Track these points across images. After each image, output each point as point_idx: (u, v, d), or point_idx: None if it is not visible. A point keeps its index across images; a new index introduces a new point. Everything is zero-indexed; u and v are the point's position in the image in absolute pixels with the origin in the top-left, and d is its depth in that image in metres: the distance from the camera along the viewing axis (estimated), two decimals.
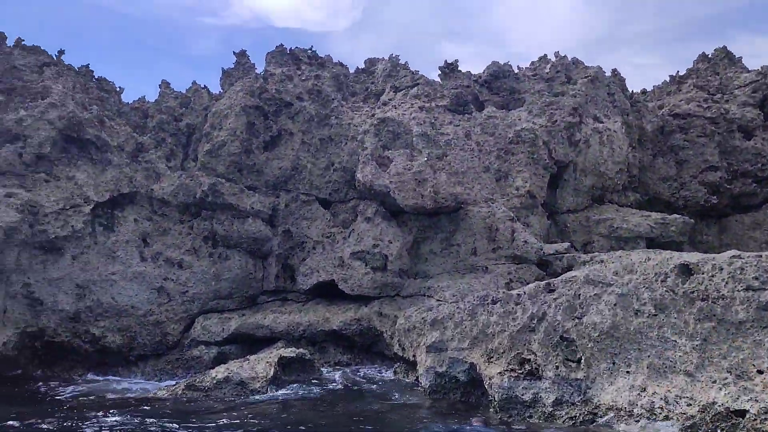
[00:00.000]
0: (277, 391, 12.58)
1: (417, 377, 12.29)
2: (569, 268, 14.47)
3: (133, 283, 15.33)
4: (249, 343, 15.31)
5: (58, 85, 17.03)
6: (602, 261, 13.84)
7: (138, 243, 15.82)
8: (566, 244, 15.25)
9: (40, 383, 13.94)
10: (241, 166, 16.63)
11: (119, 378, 14.70)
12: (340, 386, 13.00)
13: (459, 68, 18.28)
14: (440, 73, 18.26)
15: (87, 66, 19.66)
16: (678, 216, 16.12)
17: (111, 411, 11.13)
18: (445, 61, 18.22)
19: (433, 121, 16.34)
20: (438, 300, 14.13)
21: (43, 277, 14.69)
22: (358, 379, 13.79)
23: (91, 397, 12.58)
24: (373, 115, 16.93)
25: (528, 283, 13.74)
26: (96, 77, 19.70)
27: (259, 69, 19.83)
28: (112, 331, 14.98)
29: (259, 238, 16.20)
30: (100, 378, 14.68)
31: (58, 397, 12.58)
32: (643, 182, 18.70)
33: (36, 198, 14.92)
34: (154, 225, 16.23)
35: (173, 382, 13.43)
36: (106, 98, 18.87)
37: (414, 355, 12.43)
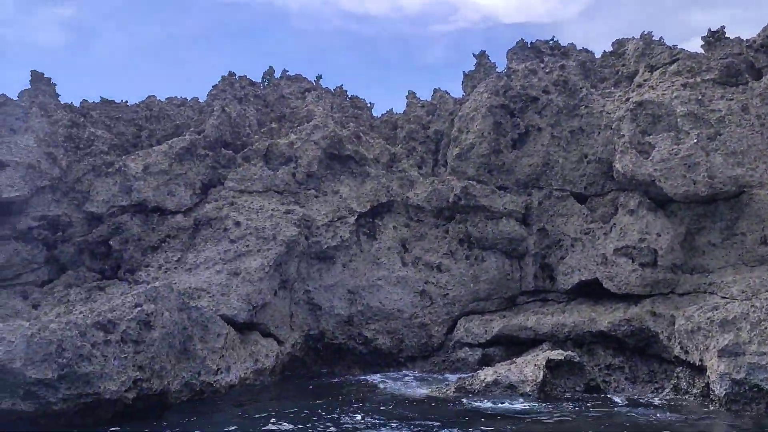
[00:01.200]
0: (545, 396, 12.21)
1: (706, 384, 11.03)
2: None
3: (397, 287, 16.05)
4: (512, 344, 15.11)
5: (319, 107, 18.58)
6: None
7: (399, 249, 16.55)
8: None
9: (323, 380, 15.21)
10: (491, 167, 16.55)
11: (390, 378, 15.44)
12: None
13: (726, 35, 16.21)
14: (703, 43, 16.36)
15: (341, 87, 21.21)
16: None
17: (392, 410, 11.66)
18: (709, 30, 16.29)
19: (699, 97, 14.67)
20: (723, 297, 12.60)
21: (320, 284, 16.03)
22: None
23: (369, 394, 13.34)
24: (627, 100, 15.73)
25: None
26: (349, 96, 21.17)
27: (500, 68, 19.68)
28: (382, 334, 15.82)
29: (514, 238, 15.96)
30: (376, 378, 15.56)
31: (342, 393, 13.54)
32: None
33: (309, 212, 16.36)
34: (412, 231, 16.85)
35: (443, 385, 13.70)
36: (359, 115, 20.15)
37: (701, 360, 11.19)
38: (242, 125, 18.12)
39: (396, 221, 16.93)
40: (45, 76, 17.36)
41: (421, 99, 19.72)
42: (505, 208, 16.00)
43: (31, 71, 17.07)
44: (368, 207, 16.86)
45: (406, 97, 19.73)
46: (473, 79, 19.85)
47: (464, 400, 12.27)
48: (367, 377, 15.48)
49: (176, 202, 15.96)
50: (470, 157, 16.63)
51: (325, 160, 17.31)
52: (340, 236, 16.23)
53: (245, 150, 17.20)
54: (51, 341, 10.20)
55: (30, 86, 17.09)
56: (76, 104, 18.63)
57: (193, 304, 13.06)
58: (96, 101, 18.99)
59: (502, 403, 11.94)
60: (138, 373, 11.05)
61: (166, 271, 14.78)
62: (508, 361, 13.62)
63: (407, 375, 15.42)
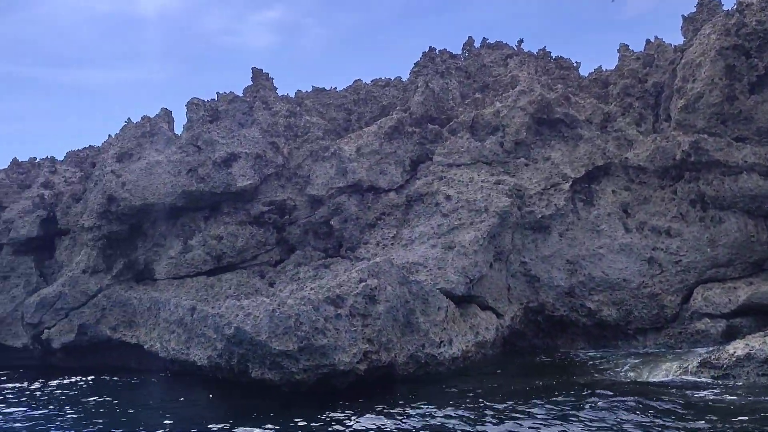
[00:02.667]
0: None
1: None
2: None
3: (621, 255, 14.96)
4: (763, 314, 13.37)
5: (523, 72, 17.87)
6: None
7: (620, 214, 15.41)
8: None
9: (544, 357, 14.71)
10: (724, 117, 14.68)
11: (618, 355, 14.49)
12: None
13: None
14: None
15: (544, 49, 20.22)
16: None
17: (625, 394, 10.88)
18: None
19: None
20: None
21: (536, 255, 15.46)
22: None
23: (596, 374, 12.61)
24: None
25: None
26: (553, 58, 20.11)
27: (726, 6, 17.38)
28: (607, 305, 14.87)
29: (758, 195, 14.05)
30: (600, 353, 14.72)
31: (567, 373, 12.96)
32: None
33: (520, 182, 15.83)
34: (633, 194, 15.59)
35: (682, 360, 12.51)
36: (566, 76, 19.06)
37: None
38: (446, 99, 18.04)
39: (615, 185, 15.77)
40: (263, 71, 18.66)
41: (635, 51, 18.10)
42: (746, 162, 14.12)
43: (252, 68, 18.45)
44: (583, 172, 15.90)
45: (618, 51, 18.23)
46: (695, 21, 17.73)
47: (708, 377, 11.08)
48: (592, 352, 14.70)
49: (388, 180, 16.33)
50: (699, 108, 14.89)
51: (533, 125, 16.62)
52: (555, 204, 15.50)
53: (451, 123, 17.10)
54: (289, 316, 10.93)
55: (251, 83, 18.49)
56: (291, 95, 19.89)
57: (413, 279, 13.26)
58: (308, 90, 20.10)
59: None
60: (367, 345, 11.46)
61: (383, 248, 15.20)
62: (761, 333, 12.05)
63: (636, 350, 14.38)
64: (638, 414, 9.11)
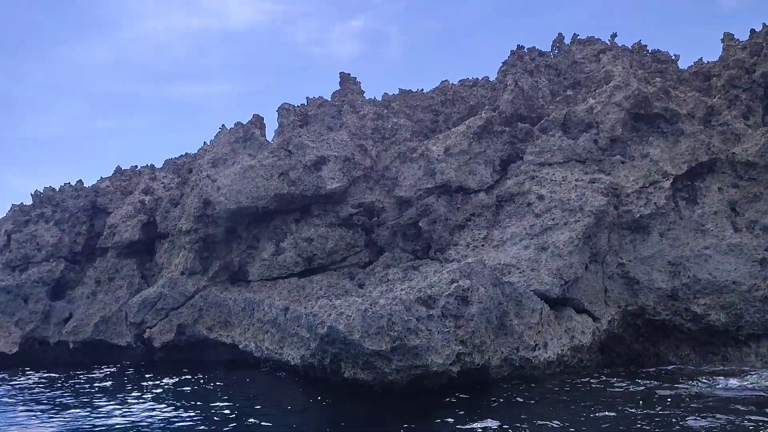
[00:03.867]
0: None
1: None
2: None
3: (730, 256, 14.05)
4: None
5: (617, 66, 17.17)
6: None
7: (728, 213, 14.51)
8: None
9: (649, 368, 13.99)
10: None
11: (731, 362, 13.59)
12: None
13: None
14: None
15: (639, 42, 19.39)
16: None
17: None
18: None
19: None
20: None
21: (635, 256, 14.75)
22: None
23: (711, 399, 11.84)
24: None
25: None
26: (649, 51, 19.25)
27: None
28: (715, 309, 13.99)
29: None
30: (713, 362, 13.86)
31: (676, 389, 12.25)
32: None
33: (616, 180, 15.18)
34: (742, 191, 14.64)
35: None
36: (664, 69, 18.17)
37: None
38: (536, 97, 17.59)
39: (721, 182, 14.86)
40: (351, 75, 18.83)
41: (741, 41, 17.02)
42: None
43: (340, 73, 18.67)
44: (685, 168, 15.07)
45: (722, 41, 17.19)
46: None
47: None
48: (705, 368, 13.71)
49: (478, 181, 16.06)
50: None
51: (629, 121, 15.92)
52: (655, 203, 14.75)
53: (542, 122, 16.64)
54: (382, 315, 10.86)
55: (339, 87, 18.69)
56: (378, 99, 19.96)
57: (506, 280, 12.93)
58: (395, 93, 20.11)
59: None
60: (460, 347, 11.23)
61: (473, 249, 14.94)
62: None
63: (747, 356, 13.41)
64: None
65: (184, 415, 10.79)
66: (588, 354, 13.82)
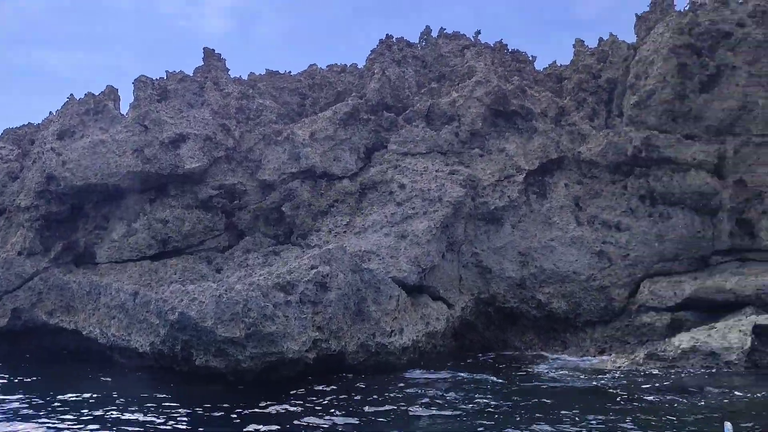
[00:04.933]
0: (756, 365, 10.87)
1: None
2: None
3: (572, 248, 15.06)
4: (705, 308, 13.64)
5: (480, 63, 17.80)
6: None
7: (572, 207, 15.52)
8: None
9: (493, 355, 14.73)
10: (675, 115, 14.92)
11: (569, 347, 14.62)
12: None
13: None
14: None
15: (500, 41, 20.21)
16: None
17: (584, 384, 10.92)
18: None
19: None
20: None
21: (489, 246, 15.43)
22: None
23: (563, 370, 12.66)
24: None
25: None
26: (510, 50, 20.13)
27: (678, 6, 17.65)
28: (557, 297, 14.96)
29: (705, 192, 14.31)
30: (553, 347, 14.84)
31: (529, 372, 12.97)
32: None
33: (474, 172, 15.77)
34: (586, 188, 15.71)
35: (631, 351, 12.68)
36: (522, 68, 19.09)
37: None
38: (402, 87, 17.83)
39: (568, 178, 15.87)
40: (215, 52, 18.08)
41: (590, 47, 18.25)
42: (694, 159, 14.38)
43: (204, 48, 17.87)
44: (537, 164, 15.94)
45: (573, 46, 18.37)
46: (648, 20, 17.93)
47: (655, 369, 11.24)
48: (545, 353, 14.70)
49: (342, 167, 16.05)
50: (651, 104, 15.08)
51: (489, 117, 16.58)
52: (508, 196, 15.50)
53: (406, 112, 16.90)
54: (237, 301, 10.56)
55: (203, 63, 17.89)
56: (244, 78, 19.36)
57: (365, 267, 13.04)
58: (262, 74, 19.61)
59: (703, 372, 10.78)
60: (317, 333, 11.20)
61: (336, 235, 14.93)
62: (706, 326, 12.31)
63: (583, 341, 14.53)
64: (584, 407, 9.11)
65: None
66: (442, 340, 14.28)
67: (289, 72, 19.67)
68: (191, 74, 17.34)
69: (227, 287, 10.87)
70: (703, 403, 8.78)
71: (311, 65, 19.94)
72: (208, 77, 17.32)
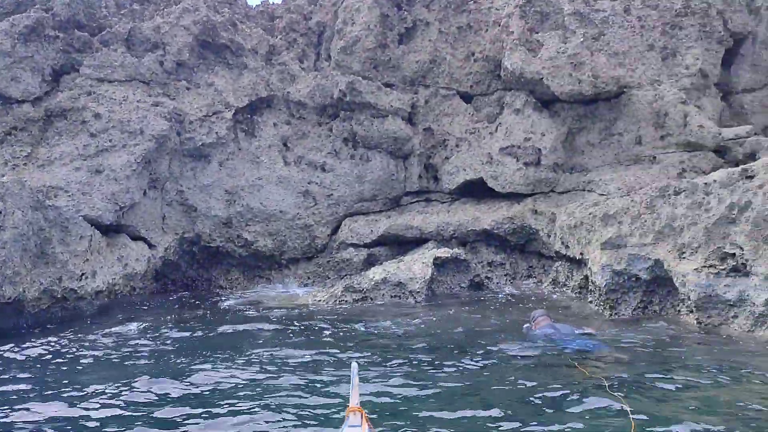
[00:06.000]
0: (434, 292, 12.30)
1: (585, 276, 11.45)
2: (752, 155, 12.83)
3: (279, 187, 15.24)
4: (397, 244, 14.98)
5: None
6: None
7: (280, 147, 15.63)
8: (747, 127, 13.49)
9: (201, 291, 14.44)
10: (377, 63, 15.79)
11: (274, 283, 14.94)
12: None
13: None
14: None
15: None
16: None
17: (273, 317, 11.18)
18: None
19: None
20: (601, 194, 13.02)
21: (195, 184, 14.87)
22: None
23: (252, 304, 12.79)
24: None
25: (705, 173, 12.34)
26: None
27: None
28: (263, 236, 15.09)
29: (399, 138, 15.51)
30: (258, 282, 15.00)
31: (220, 305, 12.87)
32: None
33: (180, 106, 14.92)
34: (294, 128, 15.92)
35: (330, 285, 13.39)
36: (234, 2, 18.41)
37: (581, 253, 11.54)
38: (98, 5, 15.95)
39: (277, 118, 15.89)
40: None
41: None
42: (392, 106, 15.42)
43: None
44: (246, 102, 15.64)
45: None
46: None
47: (351, 300, 12.04)
48: (247, 283, 14.94)
49: (22, 90, 13.91)
50: (355, 51, 15.73)
51: (197, 48, 15.72)
52: (216, 132, 15.01)
53: (103, 33, 15.20)
54: None
55: None
56: None
57: (50, 203, 11.59)
58: None
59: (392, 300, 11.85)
60: None
61: (14, 168, 13.00)
62: (395, 259, 13.50)
63: (287, 277, 15.01)
64: (287, 333, 9.37)
65: None
66: (142, 282, 13.49)
67: None
68: None
69: None
70: (369, 329, 9.57)
71: None
72: None
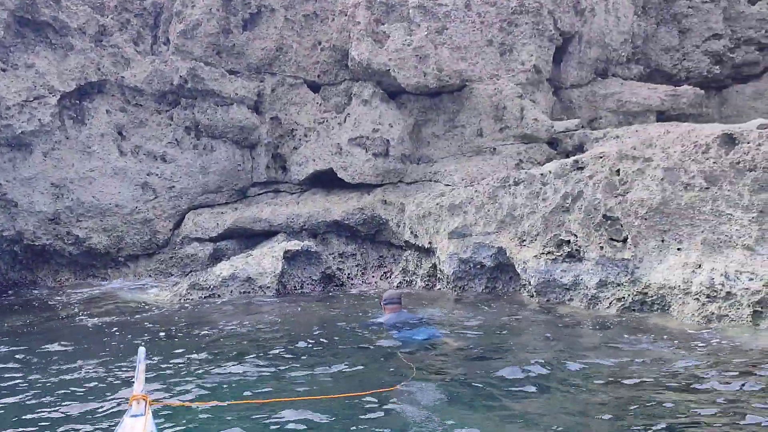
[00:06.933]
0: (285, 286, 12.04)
1: (433, 264, 11.75)
2: (581, 146, 13.81)
3: (115, 179, 14.15)
4: (245, 237, 14.49)
5: None
6: (617, 137, 13.19)
7: (114, 136, 14.49)
8: (576, 121, 14.51)
9: (35, 291, 13.08)
10: (220, 49, 15.08)
11: (110, 281, 13.87)
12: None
13: None
14: None
15: None
16: (689, 87, 15.43)
17: (111, 317, 10.36)
18: None
19: None
20: (447, 185, 13.40)
21: (14, 176, 13.39)
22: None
23: (89, 302, 11.78)
24: None
25: (540, 163, 13.11)
26: None
27: None
28: (97, 232, 13.94)
29: (245, 127, 14.98)
30: (93, 282, 13.84)
31: (52, 304, 11.73)
32: (645, 53, 17.79)
33: None
34: (130, 116, 14.82)
35: (174, 283, 12.65)
36: None
37: (430, 243, 11.83)
38: None
39: (110, 104, 14.70)
40: None
41: None
42: (237, 94, 14.84)
43: None
44: (74, 86, 14.31)
45: None
46: None
47: (198, 298, 11.46)
48: (80, 281, 13.74)
49: None
50: (197, 35, 14.91)
51: (13, 25, 14.10)
52: (39, 119, 13.61)
53: None
54: None
55: None
56: None
57: None
58: None
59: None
60: None
61: None
62: (244, 254, 13.04)
63: (126, 276, 13.99)
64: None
65: None
66: None
67: None
68: None
69: None
70: (212, 331, 9.16)
71: None
72: None
